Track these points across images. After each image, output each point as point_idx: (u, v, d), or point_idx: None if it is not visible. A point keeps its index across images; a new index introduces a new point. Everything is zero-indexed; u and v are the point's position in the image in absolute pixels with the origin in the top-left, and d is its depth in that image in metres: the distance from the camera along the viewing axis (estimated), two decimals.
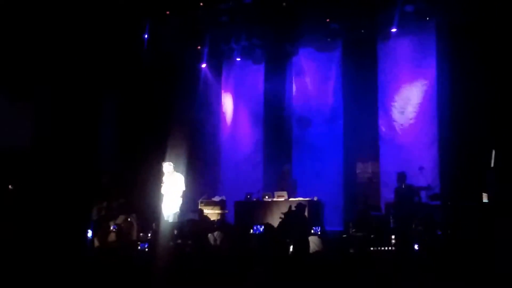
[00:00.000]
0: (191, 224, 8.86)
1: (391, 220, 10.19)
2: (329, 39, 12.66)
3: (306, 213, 10.40)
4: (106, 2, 11.11)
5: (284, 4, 11.76)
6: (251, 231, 8.01)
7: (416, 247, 7.40)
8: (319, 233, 8.32)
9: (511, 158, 9.42)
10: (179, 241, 6.53)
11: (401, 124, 11.78)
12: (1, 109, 11.46)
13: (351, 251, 6.39)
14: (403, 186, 10.19)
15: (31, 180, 10.78)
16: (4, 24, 10.66)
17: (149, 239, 8.16)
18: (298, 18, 11.98)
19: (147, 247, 6.25)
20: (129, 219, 9.48)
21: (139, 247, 6.34)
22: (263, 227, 7.51)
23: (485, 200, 9.46)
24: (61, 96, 11.90)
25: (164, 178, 10.55)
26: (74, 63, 11.72)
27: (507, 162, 9.24)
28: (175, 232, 6.62)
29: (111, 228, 9.15)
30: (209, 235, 7.94)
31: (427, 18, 11.40)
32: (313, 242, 7.86)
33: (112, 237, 9.02)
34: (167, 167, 10.59)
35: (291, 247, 6.28)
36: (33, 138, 11.70)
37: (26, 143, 11.60)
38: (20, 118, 11.70)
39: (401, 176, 10.10)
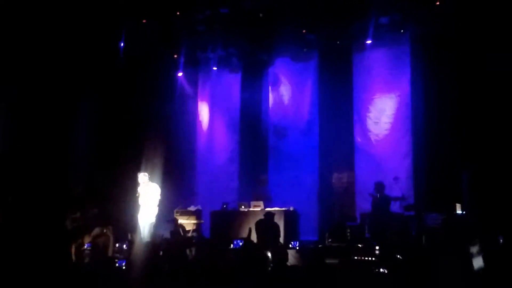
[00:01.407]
0: (168, 242, 8.74)
1: (366, 230, 10.30)
2: (305, 49, 12.76)
3: (281, 222, 10.46)
4: (82, 9, 11.00)
5: (260, 14, 11.81)
6: (231, 246, 7.95)
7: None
8: (297, 248, 8.34)
9: (485, 169, 9.63)
10: (156, 258, 6.42)
11: (376, 135, 11.91)
12: None
13: (331, 261, 6.40)
14: (378, 196, 10.28)
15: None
16: None
17: (126, 256, 8.01)
18: (275, 28, 12.04)
19: (125, 265, 6.11)
20: (105, 231, 9.34)
21: (116, 264, 6.19)
22: (242, 242, 7.46)
23: (458, 211, 9.65)
24: (33, 103, 11.72)
25: (140, 189, 10.42)
26: (48, 71, 11.56)
27: (481, 173, 9.44)
28: (152, 250, 6.49)
29: (85, 246, 8.96)
30: (187, 250, 7.85)
31: (402, 31, 11.59)
32: (291, 255, 7.87)
33: (87, 253, 8.86)
34: (142, 177, 10.47)
35: (270, 260, 6.27)
36: (1, 145, 11.48)
37: None
38: None
39: (378, 186, 10.19)
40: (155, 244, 7.24)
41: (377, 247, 7.28)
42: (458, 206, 9.66)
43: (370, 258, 7.12)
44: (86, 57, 11.85)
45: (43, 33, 11.10)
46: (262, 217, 10.15)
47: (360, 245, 8.02)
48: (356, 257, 7.12)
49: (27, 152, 11.58)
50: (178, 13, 11.88)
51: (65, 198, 10.72)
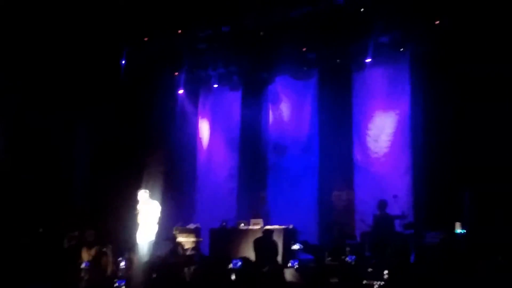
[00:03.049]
0: (164, 261, 8.67)
1: (367, 248, 10.23)
2: (305, 68, 12.82)
3: (281, 240, 10.41)
4: (84, 28, 11.13)
5: (261, 33, 11.91)
6: (230, 265, 7.88)
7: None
8: (296, 266, 8.27)
9: (485, 188, 9.60)
10: (153, 278, 6.37)
11: (376, 153, 11.89)
12: None
13: (334, 281, 6.35)
14: (379, 214, 10.23)
15: None
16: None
17: (125, 276, 7.94)
18: (275, 46, 12.12)
19: (124, 285, 6.04)
20: (104, 250, 9.28)
21: (116, 284, 6.11)
22: (241, 262, 7.40)
23: (458, 229, 9.60)
24: (34, 120, 11.78)
25: (139, 206, 10.39)
26: (50, 89, 11.65)
27: (481, 191, 9.41)
28: (149, 270, 6.45)
29: (83, 265, 8.89)
30: (185, 269, 7.82)
31: (401, 49, 11.64)
32: (290, 273, 7.82)
33: (85, 272, 8.79)
34: (143, 194, 10.45)
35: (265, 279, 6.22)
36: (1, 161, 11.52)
37: None
38: None
39: (380, 204, 10.15)
40: (152, 264, 7.21)
41: (385, 271, 7.17)
42: (457, 224, 9.61)
43: (378, 282, 7.01)
44: (87, 75, 11.94)
45: (47, 51, 11.22)
46: (261, 235, 10.10)
47: (369, 269, 7.88)
48: (364, 282, 7.01)
49: (26, 169, 11.61)
50: (179, 31, 11.98)
51: (63, 216, 10.71)
